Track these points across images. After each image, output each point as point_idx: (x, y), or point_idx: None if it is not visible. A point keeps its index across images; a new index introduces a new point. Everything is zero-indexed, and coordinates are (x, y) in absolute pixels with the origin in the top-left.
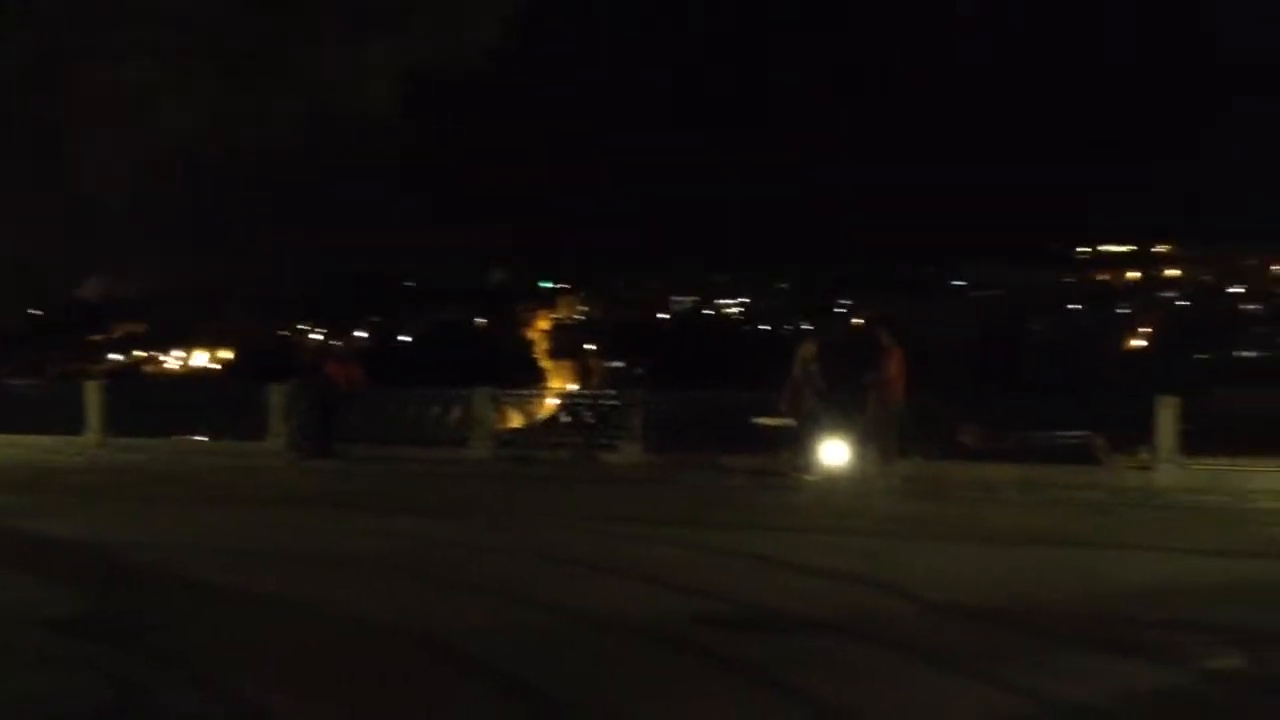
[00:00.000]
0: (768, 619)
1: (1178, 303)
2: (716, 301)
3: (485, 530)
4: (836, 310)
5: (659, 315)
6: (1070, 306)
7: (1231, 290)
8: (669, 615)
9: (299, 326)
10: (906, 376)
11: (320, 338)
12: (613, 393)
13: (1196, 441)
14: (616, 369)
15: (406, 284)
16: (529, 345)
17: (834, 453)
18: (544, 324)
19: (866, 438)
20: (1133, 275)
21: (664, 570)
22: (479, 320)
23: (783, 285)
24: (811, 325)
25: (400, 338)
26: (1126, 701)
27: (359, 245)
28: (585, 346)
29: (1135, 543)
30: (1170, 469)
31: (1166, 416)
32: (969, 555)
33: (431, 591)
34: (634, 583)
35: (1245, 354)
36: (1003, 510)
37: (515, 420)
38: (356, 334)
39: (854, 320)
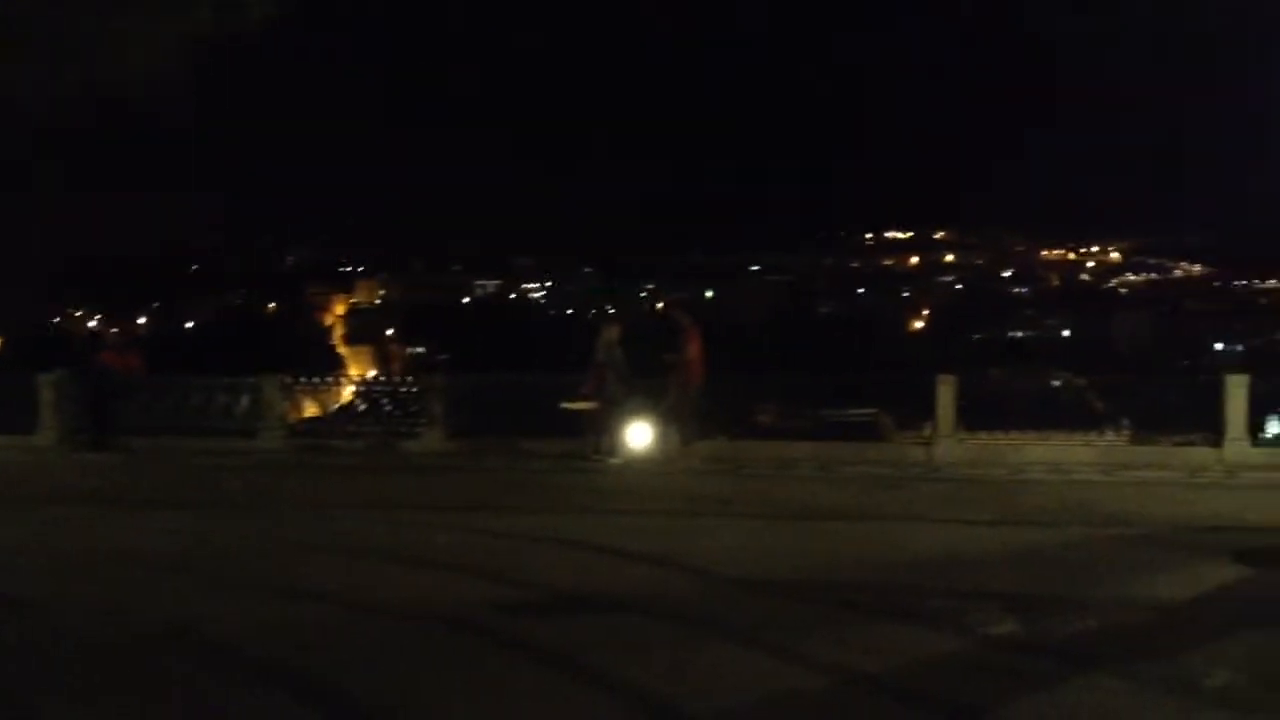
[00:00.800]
0: (568, 602)
1: (955, 286)
2: (521, 286)
3: (275, 524)
4: (639, 295)
5: (462, 299)
6: (858, 290)
7: (1003, 275)
8: (469, 604)
9: (73, 313)
10: (706, 357)
11: (95, 324)
12: (411, 378)
13: (973, 417)
14: (417, 354)
15: (193, 267)
16: (325, 331)
17: (637, 435)
18: (341, 309)
19: (668, 419)
20: (913, 260)
21: (464, 558)
22: (271, 305)
23: (587, 270)
24: (614, 309)
25: (186, 324)
26: (912, 670)
27: (138, 226)
28: (385, 332)
29: (919, 515)
30: (950, 444)
31: (945, 394)
32: (765, 531)
33: (218, 590)
34: (433, 572)
35: (1016, 334)
36: (798, 487)
37: (310, 409)
38: (138, 320)
39: (656, 304)
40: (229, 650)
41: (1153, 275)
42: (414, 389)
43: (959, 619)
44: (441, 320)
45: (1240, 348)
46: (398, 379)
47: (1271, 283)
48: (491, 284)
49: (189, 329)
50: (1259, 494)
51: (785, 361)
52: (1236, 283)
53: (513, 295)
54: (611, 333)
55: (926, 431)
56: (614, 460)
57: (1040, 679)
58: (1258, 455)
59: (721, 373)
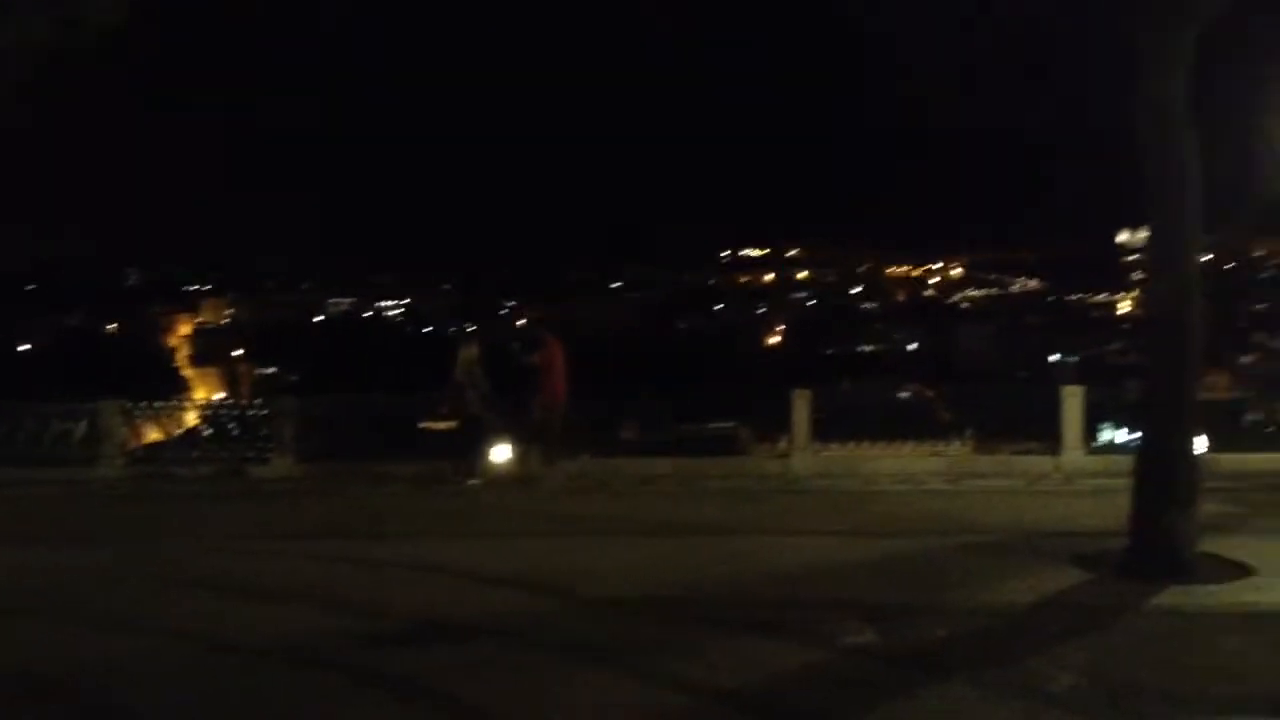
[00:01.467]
0: (426, 630)
1: (808, 303)
2: (377, 304)
3: (115, 557)
4: (500, 312)
5: (314, 318)
6: (716, 307)
7: (852, 291)
8: (321, 636)
9: None
10: (569, 373)
11: None
12: (260, 401)
13: (828, 429)
14: (268, 376)
15: (27, 288)
16: (169, 352)
17: (498, 454)
18: (186, 329)
19: (531, 437)
20: (768, 277)
21: (316, 588)
22: (110, 326)
23: (446, 286)
24: (475, 327)
25: (20, 346)
26: (774, 684)
27: None
28: (232, 353)
29: (778, 527)
30: (805, 456)
31: (801, 407)
32: (628, 549)
33: (53, 628)
34: (284, 604)
35: (866, 348)
36: (661, 503)
37: (152, 435)
38: None
39: (518, 321)
40: (64, 691)
41: (993, 290)
42: (262, 411)
43: (819, 630)
44: (293, 340)
45: (1075, 359)
46: (245, 401)
47: (1102, 296)
48: (346, 301)
49: (23, 351)
50: (1094, 500)
51: (647, 377)
52: (1069, 297)
53: (368, 314)
54: (471, 351)
55: (783, 445)
56: (474, 481)
57: (896, 688)
58: (1092, 462)
59: (584, 389)
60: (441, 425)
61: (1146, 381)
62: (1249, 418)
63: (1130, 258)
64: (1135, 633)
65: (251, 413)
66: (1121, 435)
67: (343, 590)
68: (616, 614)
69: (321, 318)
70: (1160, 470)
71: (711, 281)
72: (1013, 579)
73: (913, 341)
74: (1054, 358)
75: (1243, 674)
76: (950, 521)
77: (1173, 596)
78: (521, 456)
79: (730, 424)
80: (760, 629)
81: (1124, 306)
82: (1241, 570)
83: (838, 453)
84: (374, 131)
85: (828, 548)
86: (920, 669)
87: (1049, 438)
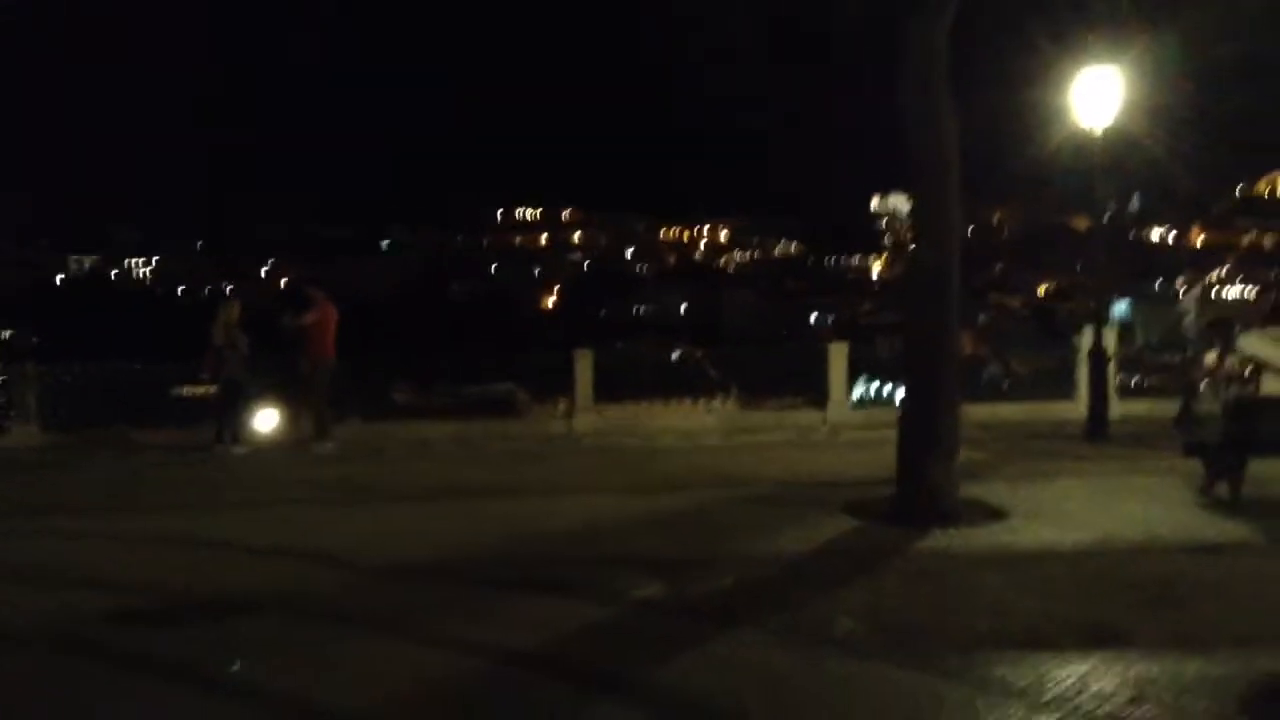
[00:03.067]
0: (191, 607)
1: (583, 265)
2: (125, 261)
3: None
4: (261, 272)
5: (54, 277)
6: (491, 267)
7: (626, 253)
8: (74, 618)
9: None
10: (337, 334)
11: None
12: None
13: (605, 390)
14: (5, 340)
15: None
16: None
17: (262, 420)
18: None
19: (300, 401)
20: (543, 239)
21: (67, 566)
22: None
23: (198, 244)
24: (233, 286)
25: None
26: (563, 642)
27: None
28: None
29: (561, 486)
30: (588, 416)
31: (584, 368)
32: (404, 515)
33: None
34: (31, 584)
35: (640, 308)
36: (437, 466)
37: None
38: None
39: (280, 280)
40: None
41: (756, 254)
42: (2, 377)
43: (607, 586)
44: (32, 301)
45: (830, 319)
46: None
47: (855, 260)
48: (89, 259)
49: None
50: (860, 451)
51: (420, 339)
52: (826, 259)
53: (115, 272)
54: (231, 312)
55: (563, 405)
56: (237, 449)
57: (686, 639)
58: (856, 416)
59: (354, 352)
60: (201, 390)
61: (909, 337)
62: (988, 372)
63: (880, 223)
64: (905, 576)
65: None
66: (873, 390)
67: (98, 567)
68: (396, 580)
69: (62, 276)
70: (924, 422)
71: (485, 243)
72: (789, 528)
73: (682, 303)
74: (813, 317)
75: (1004, 610)
76: (727, 476)
77: (937, 540)
78: (288, 421)
79: (506, 386)
80: (547, 588)
81: (876, 269)
82: (997, 514)
83: (618, 412)
84: (110, 75)
85: (611, 505)
86: (708, 620)
87: (809, 393)
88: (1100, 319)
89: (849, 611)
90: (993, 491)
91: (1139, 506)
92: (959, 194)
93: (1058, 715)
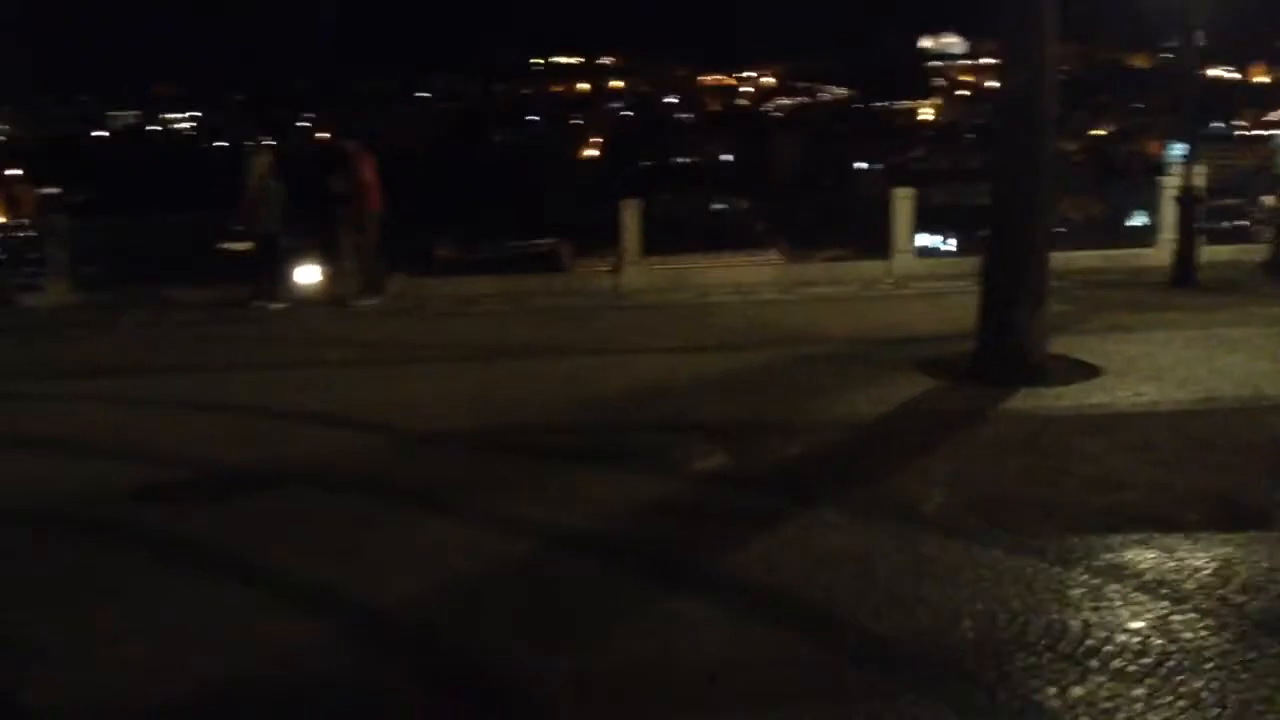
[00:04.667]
0: (224, 479)
1: (623, 113)
2: (163, 116)
3: None
4: (299, 125)
5: (96, 133)
6: (529, 117)
7: (667, 100)
8: (100, 492)
9: None
10: (381, 187)
11: None
12: (27, 222)
13: (650, 243)
14: (51, 196)
15: None
16: None
17: (303, 275)
18: None
19: (342, 256)
20: (583, 87)
21: (94, 434)
22: None
23: (238, 98)
24: (272, 140)
25: None
26: (621, 521)
27: None
28: (9, 172)
29: (612, 346)
30: (635, 271)
31: (631, 220)
32: (452, 376)
33: None
34: (53, 454)
35: (681, 159)
36: (482, 324)
37: None
38: None
39: (318, 135)
40: None
41: (803, 99)
42: (31, 234)
43: (665, 456)
44: (74, 157)
45: (880, 166)
46: (10, 223)
47: (904, 104)
48: (130, 115)
49: None
50: (928, 303)
51: (459, 194)
52: (874, 104)
53: (155, 127)
54: (263, 162)
55: (610, 260)
56: (275, 305)
57: (757, 517)
58: (922, 266)
59: (395, 206)
60: (241, 246)
61: (997, 173)
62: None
63: (933, 63)
64: (995, 442)
65: (19, 235)
66: (927, 240)
67: (126, 436)
68: (442, 450)
69: (104, 133)
70: (1010, 267)
71: (525, 92)
72: (861, 389)
73: (727, 152)
74: (860, 165)
75: (1113, 481)
76: (789, 332)
77: (1025, 400)
78: (331, 277)
79: (550, 240)
80: (602, 458)
81: (925, 114)
82: (1091, 370)
83: (667, 266)
84: None
85: (666, 365)
86: (780, 494)
87: (859, 244)
88: (1190, 159)
89: (939, 483)
90: (1081, 345)
91: (1242, 360)
92: (1056, 11)
93: (1208, 608)
